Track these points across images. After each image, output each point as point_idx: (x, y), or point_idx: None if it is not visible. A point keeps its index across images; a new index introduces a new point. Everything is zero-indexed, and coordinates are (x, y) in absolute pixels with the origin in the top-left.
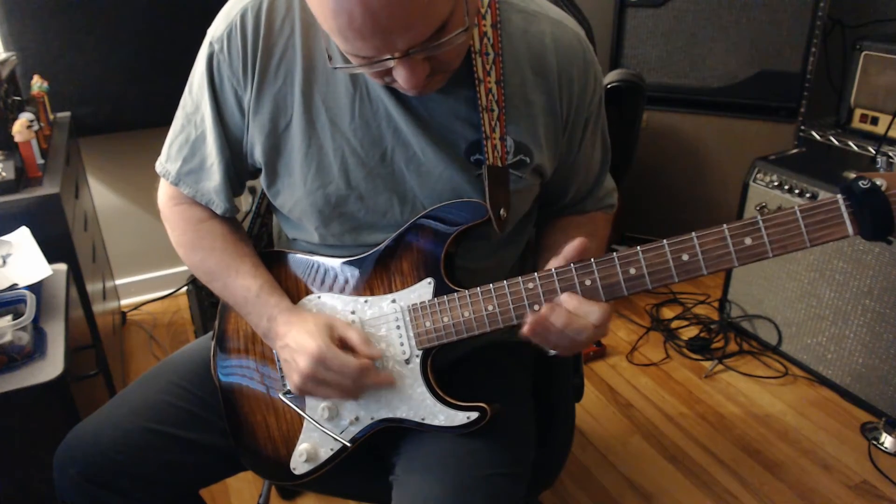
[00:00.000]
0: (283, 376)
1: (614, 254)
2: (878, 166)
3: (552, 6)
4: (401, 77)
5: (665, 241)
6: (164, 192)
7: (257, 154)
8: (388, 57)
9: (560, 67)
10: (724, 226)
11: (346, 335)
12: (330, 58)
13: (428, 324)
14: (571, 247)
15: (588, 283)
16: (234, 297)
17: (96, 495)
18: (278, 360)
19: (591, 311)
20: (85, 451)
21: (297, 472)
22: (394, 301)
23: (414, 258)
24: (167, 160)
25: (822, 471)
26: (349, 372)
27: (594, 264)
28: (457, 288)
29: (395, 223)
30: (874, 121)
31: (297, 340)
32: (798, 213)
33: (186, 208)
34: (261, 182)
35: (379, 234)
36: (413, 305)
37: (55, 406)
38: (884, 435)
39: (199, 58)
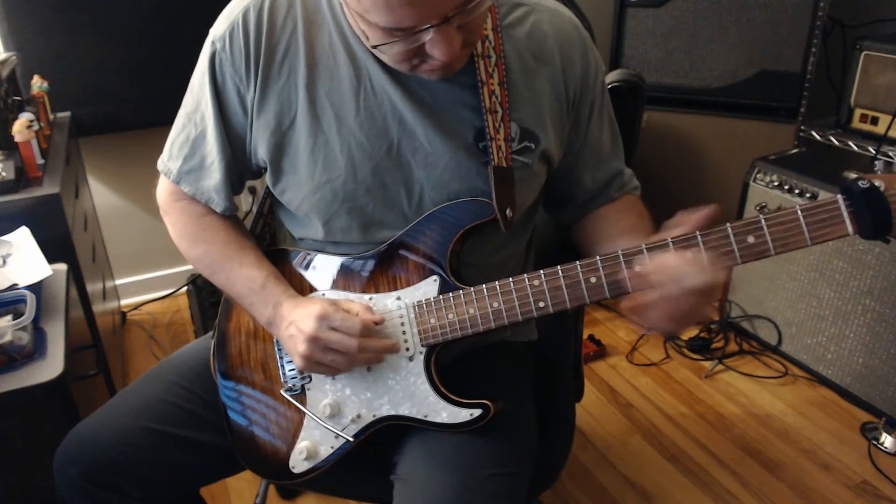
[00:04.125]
0: (283, 374)
1: (619, 251)
2: (876, 169)
3: None
4: (438, 48)
5: (669, 238)
6: (165, 188)
7: (261, 152)
8: (428, 26)
9: (562, 52)
10: (728, 224)
11: (348, 307)
12: (368, 38)
13: (433, 321)
14: (699, 216)
15: (593, 280)
16: (237, 289)
17: (96, 495)
18: (279, 358)
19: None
20: (85, 451)
21: (296, 471)
22: (399, 298)
23: (419, 256)
24: (169, 158)
25: (822, 471)
26: (351, 327)
27: (599, 262)
28: (462, 285)
29: (402, 216)
30: (874, 121)
31: (301, 314)
32: (799, 212)
33: (187, 204)
34: (266, 180)
35: (386, 231)
36: (418, 302)
37: (55, 406)
38: (884, 435)
39: (202, 57)
